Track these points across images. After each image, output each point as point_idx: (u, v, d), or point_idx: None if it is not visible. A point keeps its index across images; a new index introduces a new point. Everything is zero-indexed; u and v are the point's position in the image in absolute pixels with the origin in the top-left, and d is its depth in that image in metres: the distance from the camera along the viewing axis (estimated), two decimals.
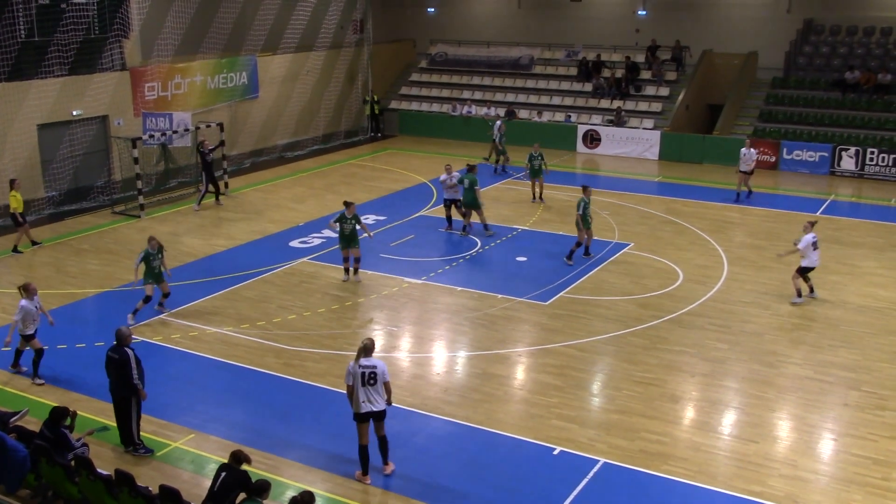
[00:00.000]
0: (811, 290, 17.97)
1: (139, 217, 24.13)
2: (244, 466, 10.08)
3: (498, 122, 30.53)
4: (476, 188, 21.83)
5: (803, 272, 17.72)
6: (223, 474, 10.03)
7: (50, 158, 25.65)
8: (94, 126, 26.94)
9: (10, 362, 14.71)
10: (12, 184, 20.93)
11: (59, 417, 11.11)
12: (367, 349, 11.21)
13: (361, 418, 11.28)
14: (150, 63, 28.29)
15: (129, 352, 11.98)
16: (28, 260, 20.69)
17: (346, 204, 18.84)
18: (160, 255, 16.77)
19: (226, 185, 27.09)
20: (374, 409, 11.21)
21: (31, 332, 14.32)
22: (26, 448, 10.62)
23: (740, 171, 26.06)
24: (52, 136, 25.64)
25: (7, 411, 12.15)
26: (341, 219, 18.67)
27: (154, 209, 24.64)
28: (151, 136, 25.11)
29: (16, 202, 20.70)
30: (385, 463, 11.73)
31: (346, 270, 19.09)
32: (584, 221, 19.95)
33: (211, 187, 25.17)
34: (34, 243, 21.42)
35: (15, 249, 20.95)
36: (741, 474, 11.76)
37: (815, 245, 17.50)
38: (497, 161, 29.70)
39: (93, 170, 26.85)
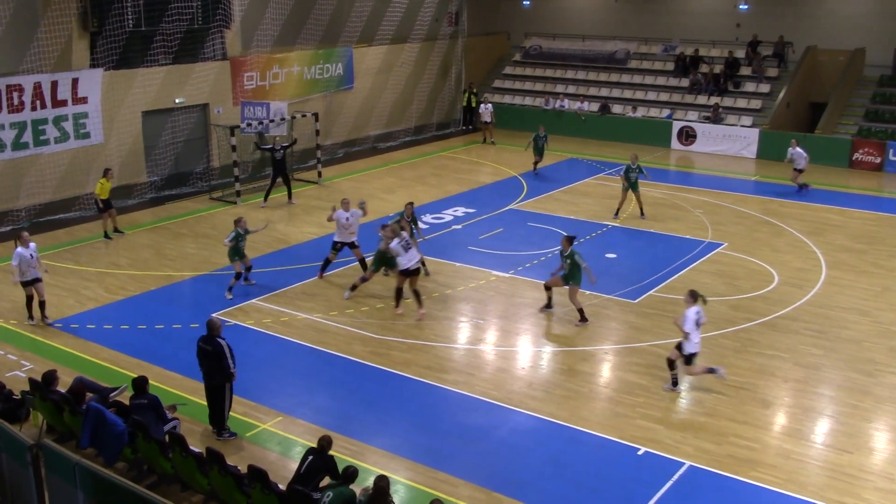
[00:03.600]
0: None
1: (235, 203, 24.75)
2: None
3: (487, 105, 33.75)
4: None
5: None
6: (310, 458, 10.26)
7: (152, 144, 26.56)
8: (195, 114, 27.74)
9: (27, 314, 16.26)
10: (106, 173, 21.28)
11: (144, 383, 11.58)
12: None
13: None
14: (249, 53, 28.96)
15: (222, 342, 12.13)
16: (129, 242, 21.45)
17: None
18: (245, 237, 17.75)
19: (319, 174, 27.55)
20: None
21: (28, 278, 15.80)
22: (124, 423, 11.04)
23: (795, 170, 26.40)
24: (155, 123, 26.53)
25: (107, 387, 12.67)
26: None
27: (250, 196, 25.21)
28: (249, 125, 25.69)
29: (100, 188, 21.10)
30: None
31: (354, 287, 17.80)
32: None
33: (280, 182, 24.70)
34: (116, 231, 21.86)
35: (106, 235, 21.56)
36: (833, 485, 11.40)
37: (697, 323, 13.67)
38: (535, 164, 28.74)
39: (192, 156, 27.66)
